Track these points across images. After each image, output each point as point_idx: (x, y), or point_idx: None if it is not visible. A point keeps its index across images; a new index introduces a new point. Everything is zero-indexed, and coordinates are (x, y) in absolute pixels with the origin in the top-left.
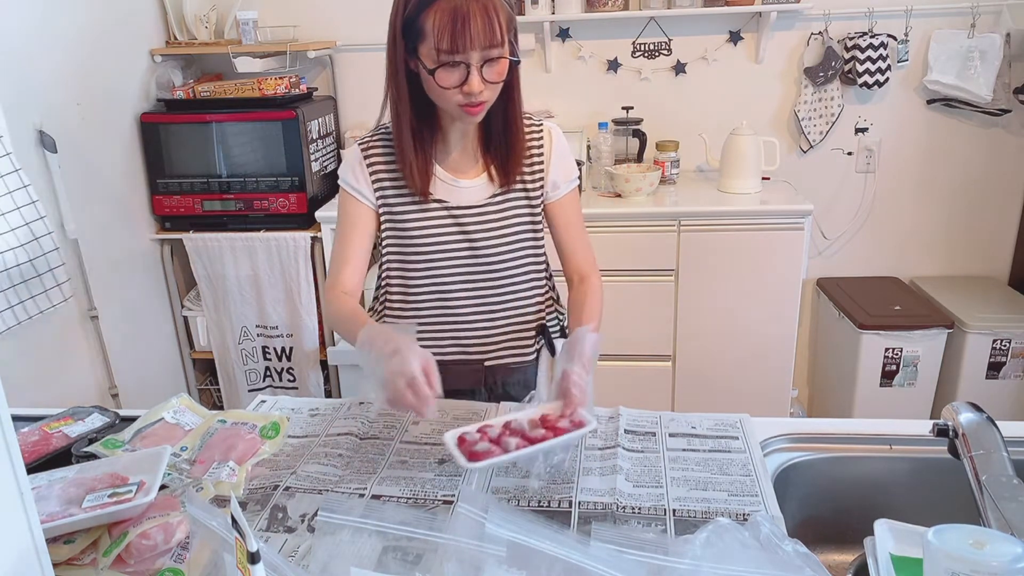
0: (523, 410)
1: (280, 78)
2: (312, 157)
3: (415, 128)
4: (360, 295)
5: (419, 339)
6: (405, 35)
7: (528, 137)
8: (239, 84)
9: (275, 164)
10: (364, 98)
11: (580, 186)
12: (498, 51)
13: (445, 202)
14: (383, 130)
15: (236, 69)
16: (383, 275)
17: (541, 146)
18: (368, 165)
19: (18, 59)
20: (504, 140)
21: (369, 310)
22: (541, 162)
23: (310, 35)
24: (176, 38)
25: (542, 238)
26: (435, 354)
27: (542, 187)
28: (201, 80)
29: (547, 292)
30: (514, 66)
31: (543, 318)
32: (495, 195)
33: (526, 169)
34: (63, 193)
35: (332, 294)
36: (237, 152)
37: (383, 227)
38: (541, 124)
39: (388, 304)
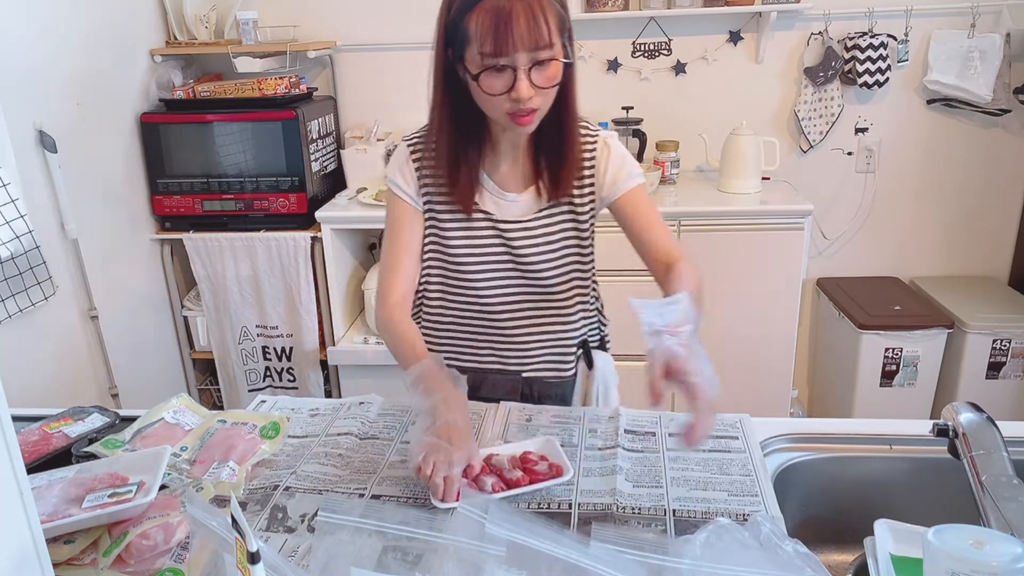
0: (507, 444)
1: (280, 78)
2: (312, 157)
3: (456, 143)
4: (411, 302)
5: (457, 346)
6: (451, 41)
7: (582, 149)
8: (239, 84)
9: (275, 164)
10: (364, 98)
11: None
12: (547, 52)
13: (491, 215)
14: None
15: (236, 69)
16: (422, 277)
17: (593, 159)
18: (416, 168)
19: (18, 59)
20: (558, 150)
21: None
22: (592, 175)
23: (310, 35)
24: (176, 38)
25: (590, 254)
26: (472, 362)
27: (592, 204)
28: (201, 80)
29: (593, 305)
30: (568, 69)
31: (586, 335)
32: (541, 210)
33: (574, 183)
34: (63, 193)
35: (385, 311)
36: (237, 152)
37: (427, 230)
38: (596, 135)
39: (426, 307)
